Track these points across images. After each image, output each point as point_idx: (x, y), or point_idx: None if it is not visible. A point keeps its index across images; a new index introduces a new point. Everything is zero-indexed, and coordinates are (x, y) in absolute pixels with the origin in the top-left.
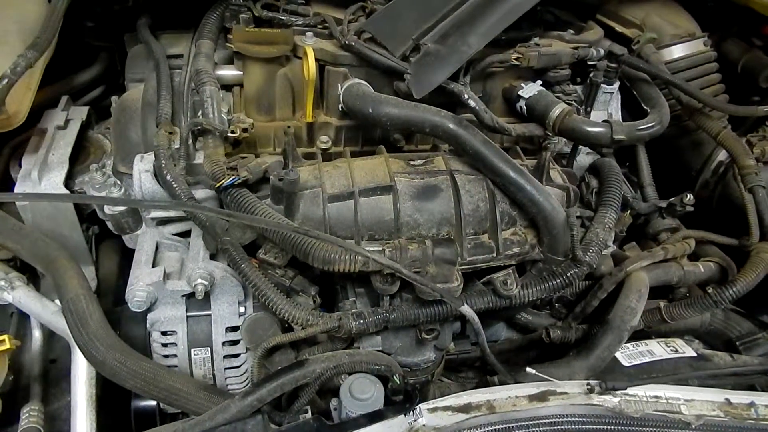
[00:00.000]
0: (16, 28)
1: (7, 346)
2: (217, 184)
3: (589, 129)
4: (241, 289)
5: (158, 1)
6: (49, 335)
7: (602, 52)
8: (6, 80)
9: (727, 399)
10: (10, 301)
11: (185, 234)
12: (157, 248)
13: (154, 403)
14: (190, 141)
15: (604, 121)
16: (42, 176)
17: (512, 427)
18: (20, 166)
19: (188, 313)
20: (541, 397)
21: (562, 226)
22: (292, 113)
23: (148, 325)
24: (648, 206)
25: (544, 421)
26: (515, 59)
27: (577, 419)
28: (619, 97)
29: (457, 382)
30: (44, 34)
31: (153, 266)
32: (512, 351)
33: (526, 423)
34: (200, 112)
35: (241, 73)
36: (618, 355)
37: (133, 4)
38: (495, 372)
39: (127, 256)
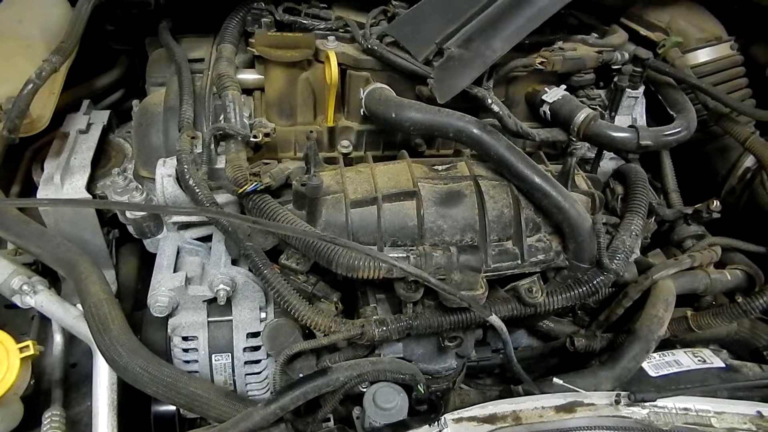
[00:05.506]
0: (39, 33)
1: (31, 351)
2: (240, 190)
3: (615, 134)
4: (263, 294)
5: (180, 4)
6: (70, 339)
7: (627, 56)
8: (31, 85)
9: (758, 412)
10: (32, 305)
11: (206, 238)
12: (178, 252)
13: (173, 408)
14: (212, 145)
15: (630, 126)
16: (64, 180)
17: None
18: (42, 169)
19: (209, 319)
20: (569, 408)
21: (588, 232)
22: (314, 118)
23: (169, 331)
24: (673, 213)
25: None
26: (539, 63)
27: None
28: (644, 101)
29: (477, 389)
30: (69, 39)
31: (174, 271)
32: (533, 358)
33: None
34: (222, 117)
35: (263, 77)
36: (645, 365)
37: (154, 7)
38: (519, 381)
39: (146, 260)
